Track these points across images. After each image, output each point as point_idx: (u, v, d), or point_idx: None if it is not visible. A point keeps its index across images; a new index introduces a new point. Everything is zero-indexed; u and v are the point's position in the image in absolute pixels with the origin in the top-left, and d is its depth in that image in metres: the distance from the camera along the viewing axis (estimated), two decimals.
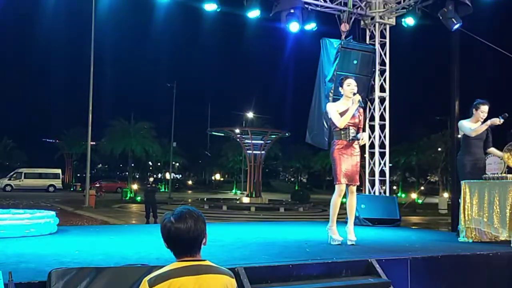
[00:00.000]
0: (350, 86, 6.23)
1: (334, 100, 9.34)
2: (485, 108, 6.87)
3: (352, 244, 6.01)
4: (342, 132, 6.17)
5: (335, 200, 6.25)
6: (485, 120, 6.84)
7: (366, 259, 4.71)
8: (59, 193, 40.18)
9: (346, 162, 6.16)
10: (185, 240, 2.24)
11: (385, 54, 10.54)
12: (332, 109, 6.23)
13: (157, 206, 17.95)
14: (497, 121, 6.73)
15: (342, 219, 6.92)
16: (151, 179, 19.71)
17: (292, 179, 79.27)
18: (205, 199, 31.30)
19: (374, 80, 10.35)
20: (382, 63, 10.54)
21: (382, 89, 10.53)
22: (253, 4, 9.37)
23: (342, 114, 6.17)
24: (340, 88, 6.39)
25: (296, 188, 58.25)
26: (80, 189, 41.89)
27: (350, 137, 6.18)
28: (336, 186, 6.20)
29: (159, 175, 68.17)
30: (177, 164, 60.77)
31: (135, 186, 39.65)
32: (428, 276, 4.94)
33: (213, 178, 74.07)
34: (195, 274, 2.19)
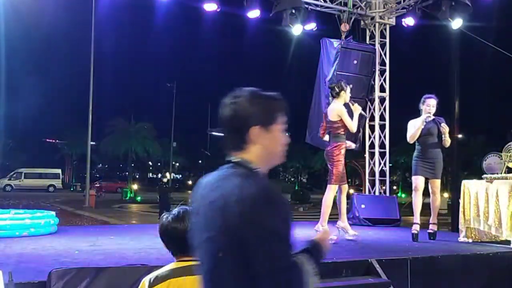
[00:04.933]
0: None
1: None
2: (430, 102, 6.65)
3: (355, 234, 6.46)
4: (344, 135, 6.57)
5: (331, 200, 6.59)
6: (439, 115, 6.79)
7: (366, 259, 4.72)
8: (59, 193, 40.14)
9: (343, 163, 6.62)
10: (182, 240, 2.24)
11: (385, 54, 10.53)
12: (346, 114, 6.54)
13: (170, 205, 18.21)
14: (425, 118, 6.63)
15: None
16: (165, 180, 20.17)
17: (292, 179, 79.20)
18: None
19: (374, 80, 10.35)
20: (382, 63, 10.54)
21: (382, 89, 10.53)
22: (253, 4, 9.36)
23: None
24: (342, 92, 6.60)
25: (296, 188, 58.21)
26: (80, 189, 41.88)
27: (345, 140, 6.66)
28: (333, 186, 6.57)
29: (159, 175, 68.17)
30: (177, 164, 60.78)
31: (135, 186, 39.64)
32: (428, 276, 4.94)
33: None
34: (194, 274, 2.20)
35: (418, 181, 6.79)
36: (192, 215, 1.64)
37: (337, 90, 6.62)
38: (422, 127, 6.60)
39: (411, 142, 6.79)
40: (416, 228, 6.77)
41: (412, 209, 7.17)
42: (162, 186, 18.91)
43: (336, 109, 6.52)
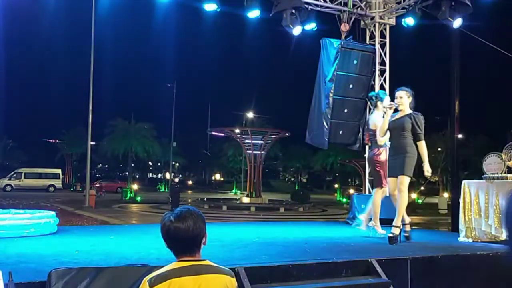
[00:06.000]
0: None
1: (334, 100, 9.38)
2: (396, 94, 6.45)
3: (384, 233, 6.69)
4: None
5: (379, 201, 6.99)
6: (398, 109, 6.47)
7: (366, 259, 4.71)
8: (59, 193, 40.16)
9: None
10: (184, 239, 2.24)
11: (385, 54, 10.54)
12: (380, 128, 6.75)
13: (179, 204, 18.84)
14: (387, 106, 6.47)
15: (342, 219, 7.02)
16: (177, 180, 21.44)
17: (292, 179, 79.23)
18: (205, 199, 31.31)
19: (374, 80, 10.35)
20: (382, 63, 10.54)
21: (382, 89, 10.52)
22: (253, 4, 9.36)
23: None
24: (378, 102, 7.02)
25: (296, 188, 58.23)
26: (80, 189, 41.89)
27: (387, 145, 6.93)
28: (381, 190, 6.96)
29: (159, 175, 68.13)
30: (177, 164, 60.80)
31: (135, 186, 39.64)
32: (428, 276, 4.94)
33: (213, 178, 74.07)
34: (195, 274, 2.20)
35: (389, 185, 6.47)
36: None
37: (374, 100, 7.14)
38: (389, 118, 6.36)
39: (381, 136, 6.51)
40: (394, 231, 6.18)
41: (412, 208, 7.16)
42: (173, 186, 19.74)
43: (373, 120, 7.04)
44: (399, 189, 6.26)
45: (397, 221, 6.21)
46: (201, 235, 2.28)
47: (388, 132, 6.55)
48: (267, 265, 4.34)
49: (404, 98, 6.36)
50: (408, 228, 6.50)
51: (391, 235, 6.14)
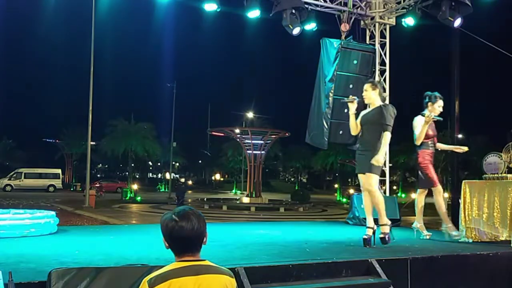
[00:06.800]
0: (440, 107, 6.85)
1: (334, 100, 9.38)
2: (363, 87, 6.29)
3: (429, 234, 6.85)
4: (430, 143, 6.84)
5: (442, 200, 6.91)
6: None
7: (366, 259, 4.72)
8: (59, 193, 40.13)
9: (429, 167, 6.84)
10: (188, 239, 2.24)
11: (385, 54, 10.54)
12: (419, 127, 6.76)
13: (184, 203, 19.59)
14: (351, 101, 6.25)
15: (342, 219, 6.99)
16: (183, 180, 22.58)
17: (292, 179, 79.25)
18: (205, 199, 31.29)
19: None
20: (382, 63, 10.54)
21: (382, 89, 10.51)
22: (253, 4, 9.36)
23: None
24: (429, 103, 6.84)
25: (296, 188, 58.20)
26: (80, 189, 41.88)
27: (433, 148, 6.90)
28: (438, 188, 6.78)
29: (159, 175, 68.12)
30: (177, 164, 60.81)
31: (135, 186, 39.64)
32: (428, 276, 4.94)
33: (213, 178, 74.08)
34: (195, 274, 2.20)
35: (361, 180, 6.09)
36: None
37: (426, 100, 6.91)
38: (352, 112, 6.11)
39: (353, 134, 6.22)
40: (368, 232, 5.93)
41: (412, 209, 7.15)
42: (180, 186, 20.49)
43: (415, 120, 6.89)
44: (366, 189, 6.01)
45: (382, 220, 6.01)
46: (203, 234, 2.28)
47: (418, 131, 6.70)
48: (267, 265, 4.35)
49: (369, 91, 6.13)
50: (370, 232, 6.02)
51: (381, 235, 5.96)
